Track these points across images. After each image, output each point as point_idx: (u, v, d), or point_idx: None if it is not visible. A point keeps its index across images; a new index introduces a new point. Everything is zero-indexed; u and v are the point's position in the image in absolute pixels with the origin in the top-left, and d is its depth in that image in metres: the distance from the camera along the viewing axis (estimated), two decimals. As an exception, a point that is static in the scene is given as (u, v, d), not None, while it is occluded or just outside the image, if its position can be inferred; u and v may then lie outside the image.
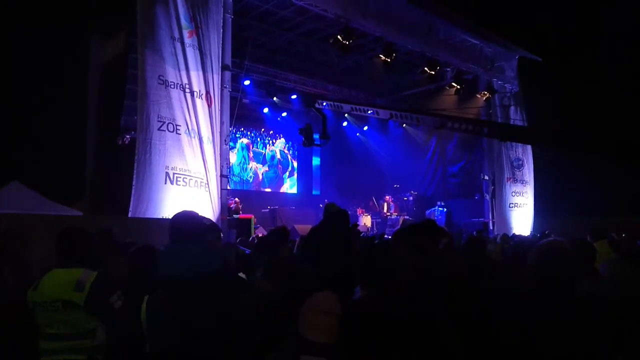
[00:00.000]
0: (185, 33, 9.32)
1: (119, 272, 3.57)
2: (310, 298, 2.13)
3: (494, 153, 16.42)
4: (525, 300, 2.57)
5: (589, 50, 16.08)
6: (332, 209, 3.67)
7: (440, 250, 4.27)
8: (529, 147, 16.74)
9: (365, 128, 20.79)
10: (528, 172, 16.84)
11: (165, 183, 8.80)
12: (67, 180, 12.17)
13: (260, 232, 12.23)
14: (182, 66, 9.22)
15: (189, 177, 9.14)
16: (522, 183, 16.62)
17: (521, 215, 16.26)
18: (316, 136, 12.31)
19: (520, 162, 16.67)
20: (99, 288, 2.99)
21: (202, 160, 9.39)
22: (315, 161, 21.27)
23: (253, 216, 12.98)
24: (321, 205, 17.30)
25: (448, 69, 16.38)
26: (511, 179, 16.35)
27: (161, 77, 8.95)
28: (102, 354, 3.02)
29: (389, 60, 13.23)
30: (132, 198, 8.46)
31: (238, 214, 13.32)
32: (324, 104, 12.72)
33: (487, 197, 16.71)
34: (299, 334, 2.05)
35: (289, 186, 20.40)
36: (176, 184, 8.92)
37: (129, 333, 3.04)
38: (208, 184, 9.45)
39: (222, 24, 9.99)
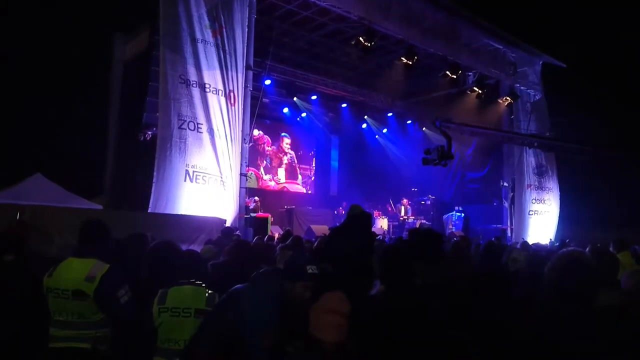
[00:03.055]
0: (209, 32, 9.40)
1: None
2: (320, 298, 2.15)
3: (514, 159, 16.20)
4: (542, 310, 2.53)
5: (615, 57, 15.79)
6: (356, 210, 3.68)
7: (454, 256, 4.27)
8: (553, 154, 16.49)
9: (385, 130, 20.71)
10: (552, 180, 16.57)
11: (185, 181, 8.89)
12: (89, 174, 12.37)
13: (276, 232, 12.26)
14: (204, 66, 9.30)
15: (209, 175, 9.22)
16: (545, 190, 16.35)
17: (540, 223, 16.01)
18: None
19: (544, 169, 16.40)
20: (108, 281, 3.05)
21: (223, 159, 9.46)
22: (334, 162, 21.25)
23: (270, 215, 13.01)
24: (342, 209, 17.28)
25: (470, 73, 16.21)
26: (532, 186, 16.11)
27: (182, 77, 9.04)
28: (106, 345, 3.09)
29: (410, 63, 13.16)
30: (152, 194, 8.57)
31: (257, 212, 13.38)
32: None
33: (506, 203, 16.50)
34: (309, 333, 2.06)
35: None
36: (195, 182, 9.00)
37: (133, 327, 3.09)
38: (227, 182, 9.51)
39: (246, 23, 10.06)
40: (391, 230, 16.98)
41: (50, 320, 3.09)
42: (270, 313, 2.52)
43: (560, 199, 16.55)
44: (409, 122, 20.54)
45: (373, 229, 13.70)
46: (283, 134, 19.24)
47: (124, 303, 3.07)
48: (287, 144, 19.38)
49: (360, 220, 3.55)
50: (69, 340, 3.02)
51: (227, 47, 9.65)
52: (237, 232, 8.50)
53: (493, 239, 10.03)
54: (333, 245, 3.19)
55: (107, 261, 3.15)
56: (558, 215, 16.37)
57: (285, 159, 19.32)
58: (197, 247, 6.43)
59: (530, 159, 16.18)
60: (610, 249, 5.65)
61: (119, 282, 3.10)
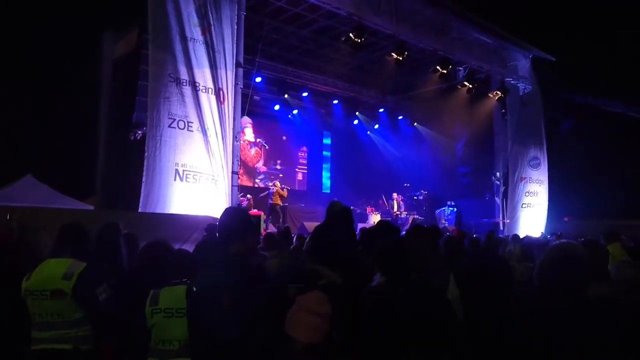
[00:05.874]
0: (198, 31, 9.33)
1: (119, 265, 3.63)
2: (300, 297, 2.13)
3: (507, 152, 16.25)
4: (535, 302, 2.54)
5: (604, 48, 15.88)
6: (336, 206, 3.66)
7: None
8: (545, 146, 16.60)
9: (376, 126, 20.75)
10: (544, 172, 16.67)
11: (175, 180, 8.83)
12: (80, 175, 12.27)
13: (269, 229, 12.26)
14: (194, 64, 9.24)
15: (200, 174, 9.17)
16: (538, 182, 16.44)
17: (532, 216, 16.09)
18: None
19: (538, 162, 16.48)
20: (86, 278, 3.06)
21: (214, 157, 9.41)
22: (326, 159, 21.27)
23: (262, 213, 13.01)
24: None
25: (460, 68, 16.27)
26: (525, 179, 16.17)
27: (172, 75, 8.98)
28: (89, 345, 3.09)
29: (400, 58, 13.16)
30: (141, 194, 8.51)
31: (249, 210, 13.40)
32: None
33: (498, 197, 16.57)
34: (286, 332, 2.04)
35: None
36: (186, 180, 8.95)
37: (121, 326, 3.09)
38: (218, 181, 9.47)
39: (235, 21, 10.01)
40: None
41: (31, 323, 3.09)
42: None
43: (549, 191, 16.66)
44: (400, 117, 20.58)
45: (366, 225, 13.78)
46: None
47: (103, 300, 3.07)
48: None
49: (341, 216, 3.55)
50: (50, 341, 3.01)
51: (215, 45, 9.59)
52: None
53: (486, 232, 10.08)
54: (317, 244, 3.18)
55: (84, 261, 3.16)
56: (547, 207, 16.48)
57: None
58: (189, 246, 6.41)
59: (525, 152, 16.25)
60: (601, 241, 5.69)
61: (96, 280, 3.11)
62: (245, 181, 17.77)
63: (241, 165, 17.71)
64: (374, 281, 2.77)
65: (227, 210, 3.02)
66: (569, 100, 16.59)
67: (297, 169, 19.86)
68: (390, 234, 3.09)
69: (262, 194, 15.85)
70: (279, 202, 14.78)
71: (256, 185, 18.27)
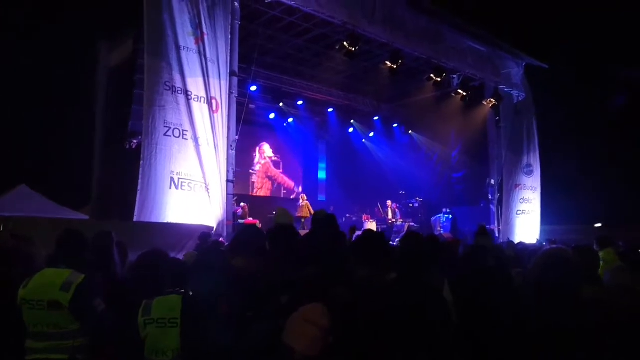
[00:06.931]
0: (191, 40, 9.38)
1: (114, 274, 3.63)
2: (302, 308, 2.14)
3: (502, 159, 16.34)
4: (527, 306, 2.57)
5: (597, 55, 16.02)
6: (320, 214, 3.75)
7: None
8: (538, 153, 16.70)
9: (371, 134, 20.81)
10: (537, 179, 16.75)
11: (170, 188, 8.83)
12: (75, 185, 12.26)
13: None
14: (187, 72, 9.27)
15: (194, 182, 9.18)
16: (532, 189, 16.53)
17: (527, 222, 16.16)
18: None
19: (531, 169, 16.58)
20: (83, 291, 3.04)
21: (207, 166, 9.43)
22: (321, 167, 21.29)
23: (258, 221, 13.00)
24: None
25: (454, 76, 16.35)
26: (520, 186, 16.25)
27: (167, 84, 9.01)
28: (85, 354, 3.07)
29: (395, 66, 13.24)
30: (137, 202, 8.50)
31: (244, 219, 13.40)
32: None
33: (493, 204, 16.63)
34: (284, 341, 2.04)
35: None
36: (181, 188, 8.95)
37: (115, 336, 3.08)
38: (212, 189, 9.47)
39: (230, 30, 10.06)
40: (380, 233, 16.94)
41: (26, 332, 3.07)
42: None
43: (543, 197, 16.74)
44: (395, 125, 20.66)
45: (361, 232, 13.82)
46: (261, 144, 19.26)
47: (100, 312, 3.06)
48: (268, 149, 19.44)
49: (326, 223, 3.61)
50: (46, 352, 3.00)
51: (208, 54, 9.63)
52: (222, 239, 8.45)
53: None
54: (305, 252, 3.23)
55: (82, 271, 3.14)
56: (540, 214, 16.55)
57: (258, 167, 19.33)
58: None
59: (518, 159, 16.33)
60: (594, 246, 5.70)
61: (94, 292, 3.10)
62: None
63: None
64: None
65: (245, 227, 3.10)
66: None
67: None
68: (381, 240, 3.14)
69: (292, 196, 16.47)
70: (307, 214, 14.90)
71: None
